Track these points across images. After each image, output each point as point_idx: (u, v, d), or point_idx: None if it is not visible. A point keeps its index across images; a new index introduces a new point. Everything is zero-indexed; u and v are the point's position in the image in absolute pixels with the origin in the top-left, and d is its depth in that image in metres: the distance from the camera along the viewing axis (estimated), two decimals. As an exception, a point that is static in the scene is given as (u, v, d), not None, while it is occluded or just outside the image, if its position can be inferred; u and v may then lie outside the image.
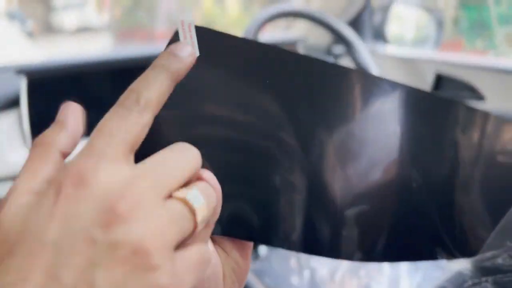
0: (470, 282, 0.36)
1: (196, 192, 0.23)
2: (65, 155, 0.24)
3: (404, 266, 0.92)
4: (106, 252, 0.19)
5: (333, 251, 0.34)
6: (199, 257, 0.23)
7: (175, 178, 0.23)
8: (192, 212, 0.23)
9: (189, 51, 0.26)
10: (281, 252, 0.97)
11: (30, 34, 3.48)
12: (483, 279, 0.35)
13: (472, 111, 0.35)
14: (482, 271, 0.36)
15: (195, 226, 0.23)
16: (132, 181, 0.21)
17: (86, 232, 0.20)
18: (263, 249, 1.59)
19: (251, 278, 0.76)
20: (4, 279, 0.19)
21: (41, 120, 0.87)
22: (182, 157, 0.24)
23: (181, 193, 0.23)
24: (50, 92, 0.89)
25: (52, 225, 0.20)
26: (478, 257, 0.37)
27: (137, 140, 0.23)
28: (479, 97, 1.04)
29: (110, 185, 0.21)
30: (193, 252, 0.23)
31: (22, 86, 0.85)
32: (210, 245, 0.30)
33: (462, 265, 0.38)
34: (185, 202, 0.23)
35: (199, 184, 0.24)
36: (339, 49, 1.36)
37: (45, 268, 0.19)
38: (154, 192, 0.22)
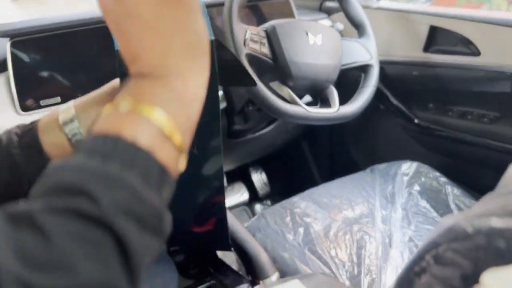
0: (462, 236, 0.37)
1: None
2: None
3: (396, 221, 0.94)
4: None
5: None
6: None
7: None
8: None
9: None
10: (276, 210, 0.98)
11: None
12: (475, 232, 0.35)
13: None
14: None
15: None
16: None
17: None
18: (258, 207, 1.61)
19: (246, 234, 0.77)
20: None
21: (27, 83, 0.85)
22: None
23: None
24: (35, 53, 0.87)
25: None
26: (470, 212, 0.38)
27: None
28: (475, 52, 1.03)
29: None
30: None
31: (7, 49, 0.83)
32: None
33: (454, 219, 0.38)
34: None
35: None
36: (331, 4, 1.33)
37: None
38: None
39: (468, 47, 1.04)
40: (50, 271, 0.23)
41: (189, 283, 0.88)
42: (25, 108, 0.84)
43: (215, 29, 1.10)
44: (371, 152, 1.44)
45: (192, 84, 0.31)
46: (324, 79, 0.95)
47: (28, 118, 0.79)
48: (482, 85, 1.05)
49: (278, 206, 1.00)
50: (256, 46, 0.89)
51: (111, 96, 0.45)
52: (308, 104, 0.94)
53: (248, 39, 0.88)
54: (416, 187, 1.01)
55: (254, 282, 0.78)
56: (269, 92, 0.88)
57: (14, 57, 0.83)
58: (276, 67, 0.91)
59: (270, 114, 0.90)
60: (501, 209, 0.36)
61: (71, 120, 0.45)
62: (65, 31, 0.89)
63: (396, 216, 0.95)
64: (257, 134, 1.25)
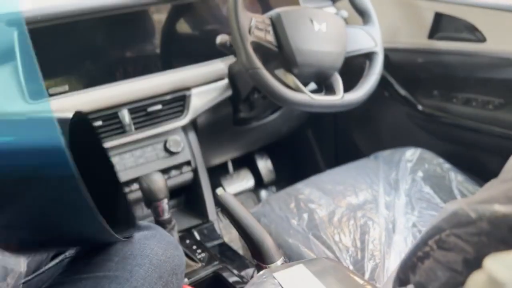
0: (465, 222, 0.37)
1: None
2: None
3: (400, 207, 0.95)
4: None
5: None
6: None
7: None
8: None
9: None
10: (281, 196, 0.99)
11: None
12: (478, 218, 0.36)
13: None
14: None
15: None
16: None
17: None
18: (263, 193, 1.63)
19: (251, 220, 0.79)
20: None
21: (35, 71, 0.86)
22: None
23: None
24: (43, 42, 0.88)
25: None
26: (474, 198, 0.39)
27: None
28: (480, 38, 1.02)
29: None
30: None
31: (15, 38, 0.83)
32: None
33: (457, 205, 0.39)
34: None
35: None
36: None
37: None
38: None
39: (473, 33, 1.04)
40: None
41: (196, 268, 0.90)
42: (33, 97, 0.85)
43: (221, 17, 1.10)
44: (375, 139, 1.44)
45: None
46: (329, 67, 0.95)
47: (36, 106, 0.80)
48: (487, 71, 1.05)
49: (283, 192, 1.01)
50: (261, 34, 0.89)
51: None
52: (313, 91, 0.94)
53: (253, 27, 0.88)
54: (420, 174, 1.02)
55: (259, 266, 0.79)
56: (274, 80, 0.88)
57: (22, 45, 0.84)
58: (281, 54, 0.91)
59: (275, 102, 0.91)
60: (504, 195, 0.36)
61: None
62: (72, 20, 0.89)
63: (399, 202, 0.96)
64: (262, 121, 1.26)
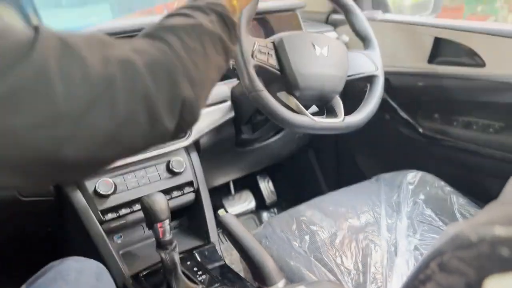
0: (466, 244, 0.37)
1: None
2: None
3: (402, 230, 0.95)
4: None
5: None
6: None
7: None
8: None
9: None
10: (283, 218, 0.99)
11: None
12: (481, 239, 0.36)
13: None
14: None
15: None
16: None
17: None
18: (265, 215, 1.62)
19: (253, 242, 0.79)
20: None
21: None
22: None
23: None
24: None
25: None
26: (474, 220, 0.39)
27: None
28: (480, 63, 1.04)
29: None
30: None
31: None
32: None
33: (458, 227, 0.39)
34: None
35: None
36: (337, 17, 1.35)
37: None
38: None
39: (473, 58, 1.05)
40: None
41: (197, 290, 0.89)
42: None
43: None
44: (377, 162, 1.45)
45: None
46: (330, 90, 0.96)
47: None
48: (487, 95, 1.06)
49: (284, 214, 1.01)
50: (264, 57, 0.91)
51: None
52: (315, 114, 0.95)
53: (256, 50, 0.90)
54: (422, 196, 1.02)
55: (261, 289, 0.79)
56: (276, 102, 0.89)
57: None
58: (283, 77, 0.93)
59: (277, 124, 0.92)
60: (505, 217, 0.36)
61: None
62: None
63: (401, 224, 0.96)
64: (264, 143, 1.27)
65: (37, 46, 0.33)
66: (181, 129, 0.43)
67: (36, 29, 0.35)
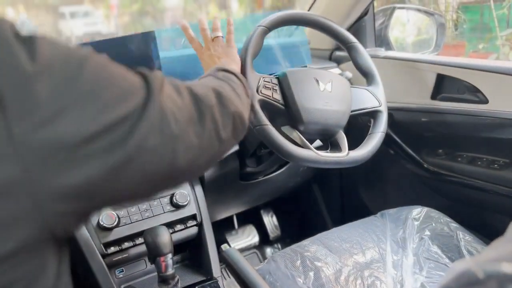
0: (473, 282, 0.37)
1: None
2: None
3: (408, 267, 0.93)
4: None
5: None
6: None
7: None
8: None
9: None
10: (287, 253, 0.98)
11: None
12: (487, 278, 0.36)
13: None
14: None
15: None
16: None
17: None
18: (269, 250, 1.60)
19: (257, 277, 0.77)
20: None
21: None
22: None
23: None
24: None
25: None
26: (481, 257, 0.38)
27: None
28: (483, 100, 1.05)
29: None
30: None
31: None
32: None
33: (465, 265, 0.39)
34: None
35: None
36: (340, 54, 1.38)
37: None
38: None
39: (475, 95, 1.06)
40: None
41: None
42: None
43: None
44: (382, 197, 1.44)
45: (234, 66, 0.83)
46: (334, 124, 0.97)
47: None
48: (491, 131, 1.06)
49: (288, 249, 1.00)
50: (269, 92, 0.93)
51: None
52: (319, 148, 0.96)
53: (261, 85, 0.92)
54: (427, 232, 1.01)
55: (264, 326, 0.77)
56: (280, 136, 0.90)
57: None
58: (287, 112, 0.94)
59: (281, 157, 0.92)
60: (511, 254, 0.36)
61: None
62: None
63: (407, 261, 0.94)
64: (268, 176, 1.27)
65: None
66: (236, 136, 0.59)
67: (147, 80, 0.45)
